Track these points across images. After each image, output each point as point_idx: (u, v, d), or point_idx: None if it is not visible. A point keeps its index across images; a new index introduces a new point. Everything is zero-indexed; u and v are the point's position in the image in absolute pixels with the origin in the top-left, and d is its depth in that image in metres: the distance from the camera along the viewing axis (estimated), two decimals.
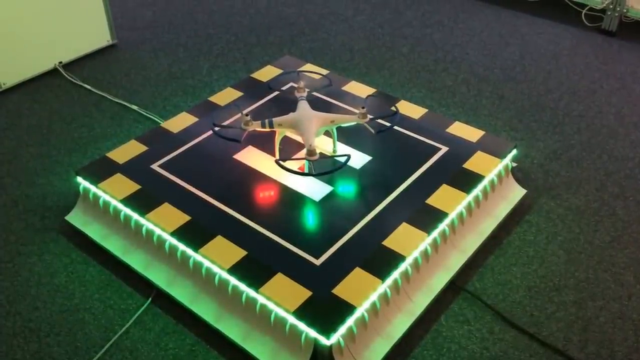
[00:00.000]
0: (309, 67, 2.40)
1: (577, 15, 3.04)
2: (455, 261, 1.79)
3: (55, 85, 2.65)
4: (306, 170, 1.90)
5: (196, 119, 2.14)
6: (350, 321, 1.51)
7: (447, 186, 1.85)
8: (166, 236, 1.73)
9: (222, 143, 1.92)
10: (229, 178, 1.90)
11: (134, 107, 2.49)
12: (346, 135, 2.01)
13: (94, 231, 1.90)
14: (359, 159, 1.95)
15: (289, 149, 1.97)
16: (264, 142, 1.99)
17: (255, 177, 1.90)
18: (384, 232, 1.70)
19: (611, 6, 2.91)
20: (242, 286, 1.60)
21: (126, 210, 1.82)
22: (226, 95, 2.26)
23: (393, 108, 2.05)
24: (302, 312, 1.51)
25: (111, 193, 1.84)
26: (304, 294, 1.55)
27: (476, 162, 1.94)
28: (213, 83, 2.65)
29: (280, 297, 1.54)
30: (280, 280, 1.58)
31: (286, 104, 2.04)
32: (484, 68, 2.74)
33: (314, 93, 2.18)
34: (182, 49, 2.89)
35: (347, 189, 1.86)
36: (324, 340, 1.47)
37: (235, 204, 1.79)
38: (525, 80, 2.66)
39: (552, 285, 1.79)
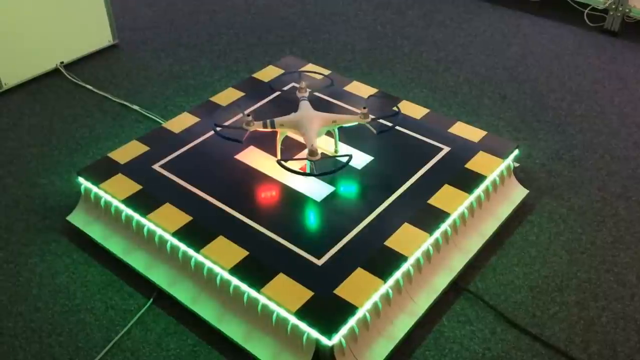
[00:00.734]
0: (310, 67, 2.40)
1: (580, 15, 3.03)
2: (457, 261, 1.79)
3: (56, 85, 2.64)
4: (308, 171, 1.90)
5: (198, 119, 2.14)
6: (352, 321, 1.51)
7: (449, 186, 1.84)
8: (168, 236, 1.73)
9: (223, 143, 1.92)
10: (230, 178, 1.90)
11: (136, 107, 2.49)
12: (348, 136, 2.01)
13: (96, 231, 1.90)
14: (360, 159, 1.95)
15: (290, 149, 1.97)
16: (265, 143, 1.99)
17: (257, 177, 1.90)
18: (386, 233, 1.70)
19: (613, 6, 2.90)
20: (244, 286, 1.60)
21: (127, 211, 1.81)
22: (228, 96, 2.26)
23: (395, 108, 2.05)
24: (303, 313, 1.50)
25: (112, 193, 1.84)
26: (306, 294, 1.54)
27: (478, 162, 1.93)
28: (214, 83, 2.64)
29: (282, 298, 1.54)
30: (281, 281, 1.58)
31: (288, 104, 2.04)
32: (486, 68, 2.73)
33: (316, 93, 2.18)
34: (183, 49, 2.89)
35: (349, 189, 1.86)
36: (325, 341, 1.47)
37: (237, 204, 1.79)
38: (528, 80, 2.65)
39: (554, 285, 1.78)
